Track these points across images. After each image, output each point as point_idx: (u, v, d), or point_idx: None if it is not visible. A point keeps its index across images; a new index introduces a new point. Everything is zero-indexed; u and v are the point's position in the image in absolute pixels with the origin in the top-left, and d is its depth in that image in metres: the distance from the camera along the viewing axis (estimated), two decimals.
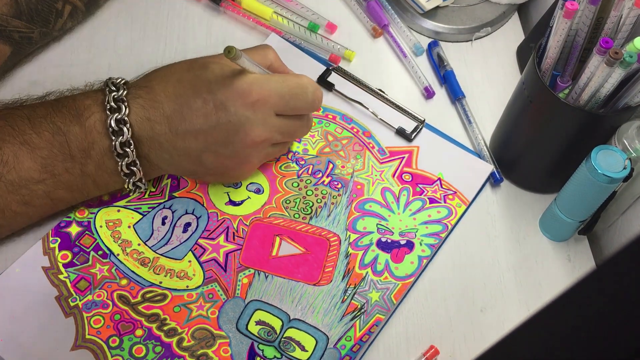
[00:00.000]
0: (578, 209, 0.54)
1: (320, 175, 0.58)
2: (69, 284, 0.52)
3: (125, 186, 0.52)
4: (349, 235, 0.56)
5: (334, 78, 0.64)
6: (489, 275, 0.57)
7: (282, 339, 0.51)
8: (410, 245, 0.55)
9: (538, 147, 0.57)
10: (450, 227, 0.57)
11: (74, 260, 0.53)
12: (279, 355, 0.50)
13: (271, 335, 0.51)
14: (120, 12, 0.68)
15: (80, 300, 0.51)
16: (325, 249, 0.55)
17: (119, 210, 0.55)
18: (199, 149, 0.50)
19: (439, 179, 0.59)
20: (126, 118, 0.48)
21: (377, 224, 0.56)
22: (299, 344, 0.51)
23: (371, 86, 0.64)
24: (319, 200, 0.57)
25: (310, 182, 0.58)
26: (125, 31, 0.67)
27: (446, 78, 0.66)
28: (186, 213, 0.56)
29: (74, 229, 0.54)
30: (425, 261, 0.55)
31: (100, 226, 0.54)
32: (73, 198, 0.52)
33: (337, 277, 0.54)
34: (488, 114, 0.65)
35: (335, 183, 0.58)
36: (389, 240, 0.56)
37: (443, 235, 0.56)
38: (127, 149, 0.49)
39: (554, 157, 0.57)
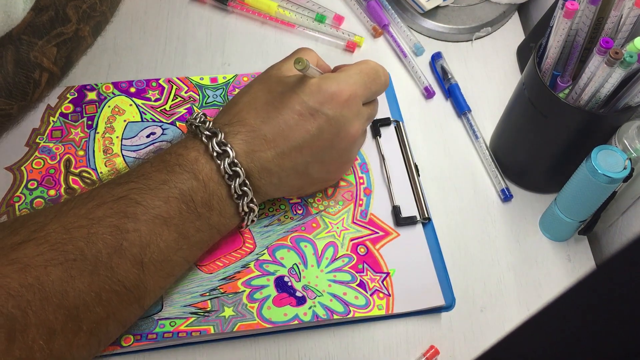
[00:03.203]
0: (578, 209, 0.54)
1: None
2: (50, 127, 0.59)
3: (245, 224, 0.51)
4: (264, 252, 0.54)
5: (386, 130, 0.61)
6: (489, 275, 0.57)
7: None
8: (301, 301, 0.51)
9: (538, 147, 0.57)
10: (351, 315, 0.51)
11: (69, 114, 0.60)
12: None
13: None
14: (120, 12, 0.68)
15: (43, 142, 0.58)
16: (234, 247, 0.54)
17: (130, 105, 0.61)
18: (305, 162, 0.50)
19: (388, 274, 0.54)
20: (236, 160, 0.47)
21: (295, 263, 0.53)
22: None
23: (412, 159, 0.59)
24: (270, 210, 0.56)
25: None
26: (125, 31, 0.67)
27: (451, 92, 0.66)
28: (170, 141, 0.58)
29: (92, 95, 0.61)
30: (296, 322, 0.51)
31: (109, 106, 0.60)
32: (201, 252, 0.50)
33: (219, 275, 0.52)
34: (488, 114, 0.65)
35: (299, 208, 0.56)
36: (289, 284, 0.52)
37: (336, 317, 0.51)
38: (246, 188, 0.48)
39: (554, 157, 0.57)
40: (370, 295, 0.52)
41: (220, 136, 0.47)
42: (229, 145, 0.47)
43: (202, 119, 0.49)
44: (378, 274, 0.53)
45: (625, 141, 0.51)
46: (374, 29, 0.69)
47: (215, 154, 0.47)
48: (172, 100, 0.61)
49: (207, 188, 0.47)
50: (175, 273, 0.48)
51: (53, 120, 0.59)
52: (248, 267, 0.53)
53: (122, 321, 0.45)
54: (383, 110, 0.62)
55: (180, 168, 0.47)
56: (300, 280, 0.53)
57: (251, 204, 0.49)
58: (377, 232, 0.56)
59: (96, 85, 0.62)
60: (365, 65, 0.52)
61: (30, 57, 0.55)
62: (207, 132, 0.48)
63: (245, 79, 0.64)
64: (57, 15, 0.57)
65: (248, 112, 0.49)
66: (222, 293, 0.51)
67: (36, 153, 0.57)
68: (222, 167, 0.47)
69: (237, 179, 0.47)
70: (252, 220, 0.51)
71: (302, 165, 0.50)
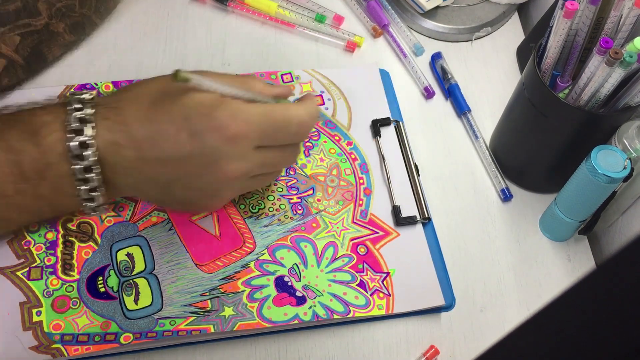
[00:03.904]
0: (578, 209, 0.54)
1: (295, 192, 0.57)
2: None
3: (85, 211, 0.48)
4: (264, 252, 0.53)
5: (386, 130, 0.61)
6: (489, 275, 0.57)
7: (129, 281, 0.51)
8: (301, 301, 0.51)
9: (538, 147, 0.57)
10: (351, 315, 0.51)
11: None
12: (115, 289, 0.50)
13: (127, 271, 0.51)
14: (120, 12, 0.68)
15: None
16: (234, 247, 0.53)
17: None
18: (167, 179, 0.46)
19: (388, 274, 0.53)
20: (90, 141, 0.43)
21: (295, 263, 0.53)
22: (137, 294, 0.51)
23: (412, 159, 0.59)
24: (270, 209, 0.55)
25: (281, 190, 0.56)
26: (125, 31, 0.67)
27: (451, 92, 0.66)
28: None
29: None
30: (296, 322, 0.50)
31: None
32: (26, 220, 0.48)
33: (219, 275, 0.52)
34: (488, 114, 0.65)
35: (299, 208, 0.56)
36: (289, 284, 0.52)
37: (336, 317, 0.51)
38: (90, 175, 0.45)
39: (554, 157, 0.57)
40: (370, 295, 0.52)
41: (88, 112, 0.44)
42: (92, 124, 0.44)
43: (88, 92, 0.47)
44: (378, 274, 0.53)
45: (625, 141, 0.51)
46: (374, 29, 0.69)
47: (69, 127, 0.44)
48: None
49: (45, 156, 0.44)
50: None
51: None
52: (248, 267, 0.53)
53: None
54: (383, 110, 0.62)
55: (23, 126, 0.44)
56: (300, 280, 0.52)
57: (94, 193, 0.46)
58: (377, 232, 0.56)
59: (96, 84, 0.61)
60: (280, 110, 0.47)
61: None
62: (77, 105, 0.45)
63: None
64: (25, 7, 0.56)
65: (130, 105, 0.46)
66: (222, 293, 0.51)
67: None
68: (70, 142, 0.44)
69: (81, 161, 0.44)
70: (96, 210, 0.48)
71: (163, 180, 0.47)
